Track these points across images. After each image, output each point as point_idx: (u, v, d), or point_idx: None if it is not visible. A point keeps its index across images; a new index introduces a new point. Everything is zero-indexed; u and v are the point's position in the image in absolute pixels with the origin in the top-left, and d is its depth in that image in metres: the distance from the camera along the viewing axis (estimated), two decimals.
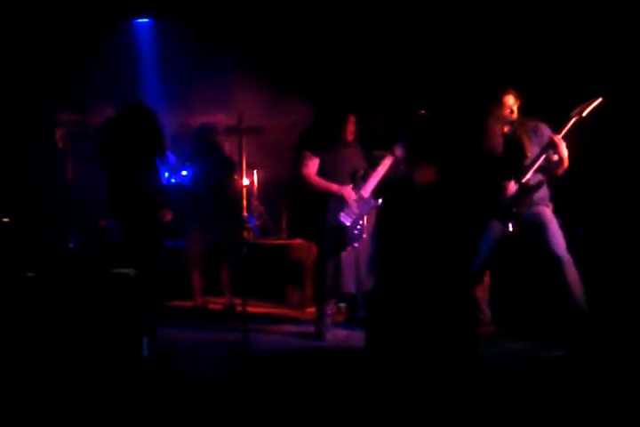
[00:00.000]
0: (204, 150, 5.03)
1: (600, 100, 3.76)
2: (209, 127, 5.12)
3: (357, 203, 4.24)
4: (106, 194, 4.44)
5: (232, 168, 5.03)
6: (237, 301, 4.70)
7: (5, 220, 5.06)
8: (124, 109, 4.27)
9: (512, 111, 3.98)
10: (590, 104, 3.77)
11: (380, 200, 4.32)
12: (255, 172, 5.94)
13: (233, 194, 4.98)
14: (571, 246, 3.89)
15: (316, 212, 4.29)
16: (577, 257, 3.87)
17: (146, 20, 6.41)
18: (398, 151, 4.28)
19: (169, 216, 4.36)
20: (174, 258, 5.24)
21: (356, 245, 4.22)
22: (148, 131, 4.19)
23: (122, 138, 4.16)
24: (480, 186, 4.10)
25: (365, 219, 4.27)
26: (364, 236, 4.25)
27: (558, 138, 3.79)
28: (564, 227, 3.96)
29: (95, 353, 3.36)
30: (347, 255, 4.21)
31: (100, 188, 5.52)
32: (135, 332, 3.53)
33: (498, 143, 4.02)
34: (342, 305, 4.72)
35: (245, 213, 5.03)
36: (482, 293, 4.11)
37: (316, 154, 4.27)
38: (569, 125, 3.81)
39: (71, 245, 5.34)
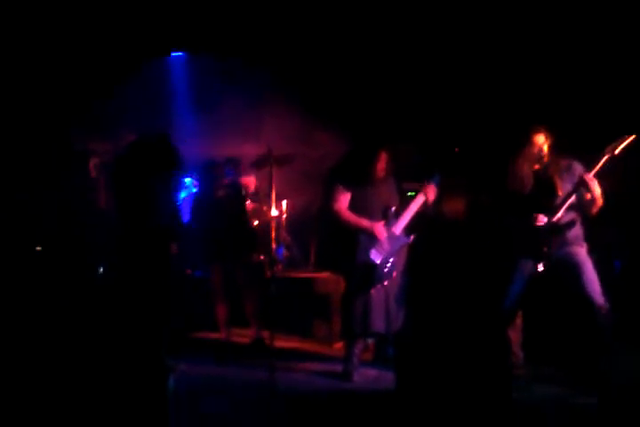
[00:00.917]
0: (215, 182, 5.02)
1: (633, 137, 3.70)
2: (229, 160, 5.15)
3: (389, 240, 4.18)
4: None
5: (244, 200, 4.99)
6: (265, 333, 4.67)
7: (38, 248, 5.12)
8: (139, 140, 4.21)
9: (542, 150, 3.92)
10: (623, 141, 3.71)
11: (412, 237, 4.27)
12: (284, 202, 5.94)
13: (250, 226, 4.97)
14: (607, 283, 3.80)
15: (346, 246, 4.23)
16: (614, 295, 3.78)
17: (180, 53, 6.52)
18: (432, 190, 4.23)
19: (174, 248, 4.31)
20: (199, 289, 5.24)
21: (385, 283, 4.16)
22: (164, 161, 4.08)
23: (136, 168, 4.04)
24: (510, 222, 4.04)
25: (396, 256, 4.22)
26: (395, 274, 4.20)
27: (589, 177, 3.73)
28: (599, 263, 3.88)
29: (120, 386, 3.34)
30: (376, 293, 4.14)
31: None
32: (163, 368, 3.51)
33: (526, 182, 3.96)
34: (370, 341, 4.65)
35: (274, 245, 5.03)
36: (514, 334, 4.02)
37: (347, 188, 4.24)
38: (601, 163, 3.75)
39: (101, 271, 5.37)
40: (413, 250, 4.35)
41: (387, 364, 4.09)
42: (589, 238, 3.97)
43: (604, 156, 3.74)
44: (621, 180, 4.02)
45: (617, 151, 3.72)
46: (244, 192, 5.17)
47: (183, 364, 4.14)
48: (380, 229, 4.17)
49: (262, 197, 5.41)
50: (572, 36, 4.82)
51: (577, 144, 4.08)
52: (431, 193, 4.25)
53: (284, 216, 5.95)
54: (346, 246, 4.22)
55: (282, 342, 4.79)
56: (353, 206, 4.23)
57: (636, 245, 4.65)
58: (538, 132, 3.93)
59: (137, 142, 4.17)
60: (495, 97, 5.07)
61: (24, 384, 3.25)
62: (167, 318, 4.03)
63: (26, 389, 3.24)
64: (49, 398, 3.26)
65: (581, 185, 3.77)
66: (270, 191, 4.34)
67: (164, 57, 6.51)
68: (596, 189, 3.76)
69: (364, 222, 4.18)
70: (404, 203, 4.30)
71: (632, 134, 3.71)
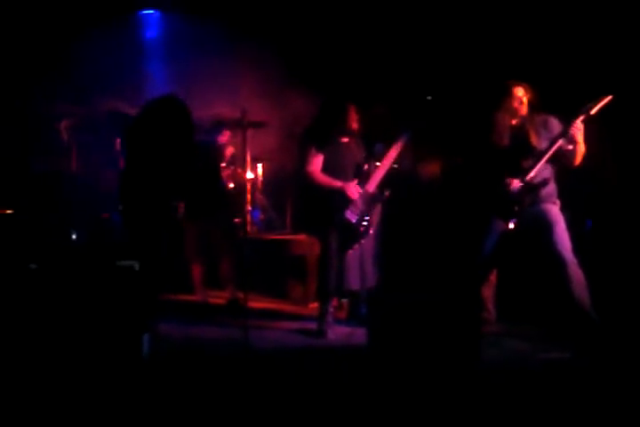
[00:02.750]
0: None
1: (610, 97, 3.69)
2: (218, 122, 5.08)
3: (362, 198, 4.19)
4: (117, 183, 4.35)
5: (219, 160, 4.95)
6: (240, 294, 4.68)
7: (8, 211, 5.05)
8: (161, 100, 4.09)
9: (521, 103, 3.92)
10: (600, 101, 3.70)
11: (386, 194, 4.26)
12: (260, 165, 5.90)
13: (225, 186, 4.93)
14: (578, 242, 3.85)
15: (321, 208, 4.23)
16: (584, 253, 3.83)
17: (151, 11, 6.35)
18: (402, 144, 4.20)
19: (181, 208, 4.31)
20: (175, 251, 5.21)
21: (362, 241, 4.17)
22: (184, 122, 4.02)
23: (157, 128, 3.96)
24: (484, 182, 4.05)
25: (372, 215, 4.22)
26: (371, 232, 4.21)
27: (577, 124, 3.70)
28: (571, 222, 3.91)
29: (94, 349, 3.33)
30: (351, 252, 4.17)
31: (104, 180, 5.53)
32: (137, 328, 3.50)
33: (505, 135, 3.96)
34: (344, 301, 4.69)
35: (249, 207, 5.02)
36: (488, 291, 4.08)
37: (320, 150, 4.22)
38: (580, 119, 3.73)
39: (74, 237, 5.33)
40: (387, 208, 4.36)
41: (360, 322, 4.14)
42: (561, 196, 4.00)
43: (579, 115, 3.73)
44: (594, 140, 4.02)
45: (593, 111, 3.72)
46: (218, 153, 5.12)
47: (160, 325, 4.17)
48: (352, 188, 4.16)
49: (237, 160, 5.36)
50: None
51: (551, 103, 4.06)
52: (402, 144, 4.19)
53: (260, 179, 5.92)
54: (320, 208, 4.22)
55: (257, 303, 4.82)
56: (325, 167, 4.23)
57: (608, 204, 4.69)
58: (517, 84, 3.92)
59: (153, 105, 4.08)
60: (471, 51, 5.01)
61: None
62: (154, 277, 4.03)
63: None
64: (20, 358, 3.25)
65: (564, 135, 3.75)
66: (245, 154, 4.30)
67: (136, 16, 6.33)
68: (580, 138, 3.74)
69: (337, 183, 4.17)
70: (377, 161, 4.29)
71: (609, 95, 3.70)
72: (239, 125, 4.45)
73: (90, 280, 3.48)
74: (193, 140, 4.14)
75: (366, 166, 4.25)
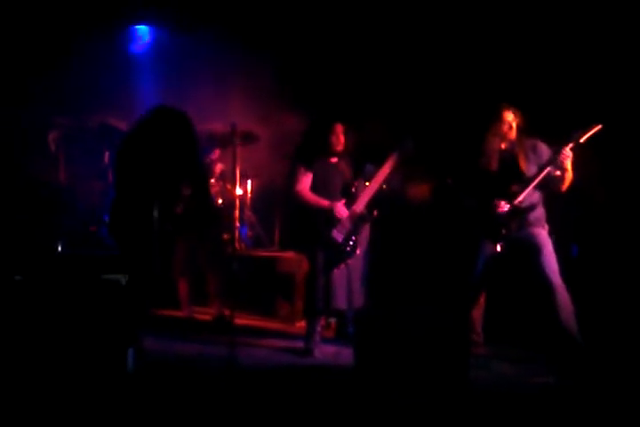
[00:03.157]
0: None
1: (599, 127, 3.75)
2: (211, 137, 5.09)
3: (350, 218, 4.20)
4: (107, 197, 4.27)
5: (206, 176, 4.95)
6: (227, 311, 4.64)
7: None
8: (157, 112, 3.87)
9: (511, 127, 3.96)
10: (590, 130, 3.76)
11: (375, 214, 4.26)
12: (249, 181, 5.90)
13: (214, 202, 4.92)
14: (564, 268, 3.88)
15: (308, 227, 4.21)
16: (570, 278, 3.86)
17: (142, 25, 6.37)
18: (392, 165, 4.19)
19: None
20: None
21: (348, 262, 4.18)
22: (186, 134, 3.84)
23: (155, 141, 3.75)
24: (471, 206, 4.08)
25: (359, 235, 4.22)
26: (358, 252, 4.21)
27: (566, 151, 3.75)
28: (558, 247, 3.94)
29: (78, 363, 3.29)
30: (339, 272, 4.16)
31: (92, 192, 5.50)
32: (122, 343, 3.46)
33: (494, 159, 4.00)
34: (332, 320, 4.68)
35: (238, 224, 4.98)
36: (477, 313, 4.09)
37: (308, 169, 4.21)
38: (570, 146, 3.78)
39: (60, 249, 5.27)
40: (375, 228, 4.37)
41: (347, 341, 4.12)
42: (548, 221, 4.05)
43: (569, 142, 3.78)
44: (582, 167, 4.07)
45: (582, 139, 3.77)
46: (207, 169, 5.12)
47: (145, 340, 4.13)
48: (340, 208, 4.16)
49: (226, 176, 5.36)
50: (547, 24, 4.84)
51: (541, 127, 4.11)
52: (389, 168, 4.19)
53: (249, 196, 5.92)
54: (308, 226, 4.22)
55: (243, 320, 4.80)
56: (314, 186, 4.23)
57: (594, 229, 4.74)
58: (507, 108, 3.96)
59: (149, 118, 3.85)
60: (464, 73, 5.06)
61: None
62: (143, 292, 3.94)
63: None
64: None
65: (551, 163, 3.80)
66: (234, 170, 4.29)
67: (127, 30, 6.34)
68: (569, 165, 3.79)
69: (324, 202, 4.17)
70: (366, 181, 4.28)
71: (598, 124, 3.75)
72: (229, 141, 4.46)
73: (75, 293, 3.45)
74: (197, 153, 3.99)
75: (354, 187, 4.25)
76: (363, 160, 4.42)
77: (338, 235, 4.17)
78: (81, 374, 3.24)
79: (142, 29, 6.40)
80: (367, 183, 4.25)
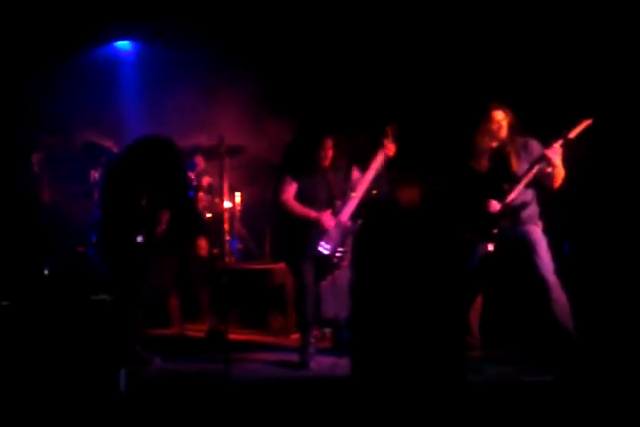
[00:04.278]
0: None
1: (589, 122, 3.72)
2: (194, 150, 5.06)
3: (337, 229, 4.11)
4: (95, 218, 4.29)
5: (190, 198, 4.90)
6: (221, 326, 4.57)
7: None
8: (143, 142, 4.15)
9: (500, 126, 3.92)
10: (580, 125, 3.73)
11: (360, 222, 4.18)
12: (238, 194, 5.85)
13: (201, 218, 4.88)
14: (557, 265, 3.83)
15: (295, 238, 4.13)
16: (562, 276, 3.81)
17: (127, 42, 6.35)
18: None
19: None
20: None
21: (335, 272, 4.11)
22: (171, 164, 4.12)
23: (142, 169, 4.02)
24: (463, 206, 4.04)
25: (346, 245, 4.14)
26: (345, 263, 4.13)
27: (557, 147, 3.71)
28: (552, 244, 3.89)
29: (69, 386, 3.21)
30: (326, 282, 4.11)
31: (78, 213, 5.43)
32: (113, 364, 3.39)
33: (484, 158, 3.96)
34: (327, 330, 4.60)
35: (227, 237, 4.93)
36: (473, 317, 4.04)
37: (294, 178, 4.14)
38: (560, 142, 3.74)
39: (47, 271, 5.20)
40: (360, 235, 4.27)
41: (344, 350, 4.04)
42: (540, 219, 4.00)
43: (558, 138, 3.74)
44: (573, 164, 4.04)
45: (572, 135, 3.73)
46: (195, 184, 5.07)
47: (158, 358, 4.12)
48: (326, 219, 4.08)
49: (214, 190, 5.31)
50: (538, 19, 4.83)
51: (531, 127, 4.08)
52: (391, 148, 4.13)
53: (238, 208, 5.86)
54: (294, 238, 4.14)
55: (237, 335, 4.72)
56: (300, 196, 4.14)
57: (586, 227, 4.71)
58: (497, 107, 3.92)
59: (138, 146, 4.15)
60: (451, 75, 5.04)
61: None
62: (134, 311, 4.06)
63: None
64: None
65: (541, 160, 3.76)
66: (222, 183, 4.25)
67: (111, 46, 6.31)
68: (559, 161, 3.75)
69: (311, 213, 4.09)
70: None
71: (588, 119, 3.72)
72: (217, 153, 4.42)
73: (64, 316, 3.39)
74: (181, 180, 4.14)
75: (340, 196, 4.16)
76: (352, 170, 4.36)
77: (324, 246, 4.10)
78: (73, 398, 3.17)
79: (127, 45, 6.38)
80: (353, 194, 4.17)
